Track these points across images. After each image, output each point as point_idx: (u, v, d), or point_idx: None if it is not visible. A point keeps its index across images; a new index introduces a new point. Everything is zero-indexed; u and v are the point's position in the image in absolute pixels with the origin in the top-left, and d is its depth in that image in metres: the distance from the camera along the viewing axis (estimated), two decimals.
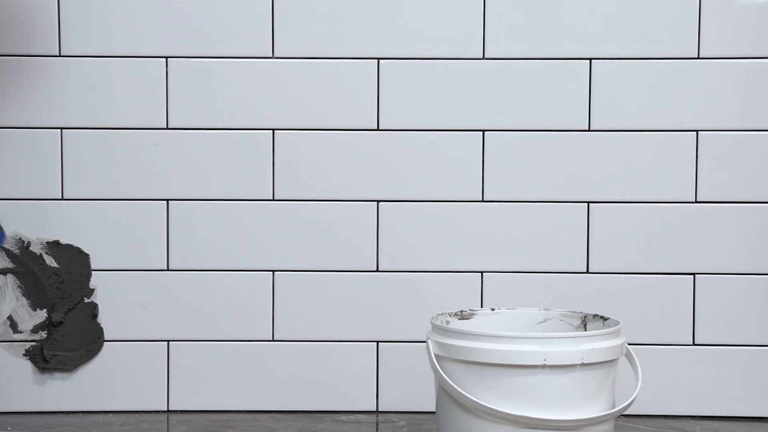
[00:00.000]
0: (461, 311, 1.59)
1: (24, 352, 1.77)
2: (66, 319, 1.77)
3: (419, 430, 1.69)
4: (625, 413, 1.45)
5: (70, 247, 1.76)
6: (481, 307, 1.77)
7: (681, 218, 1.76)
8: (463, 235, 1.77)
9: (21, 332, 1.77)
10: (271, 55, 1.76)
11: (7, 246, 1.72)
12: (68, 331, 1.77)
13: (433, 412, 1.51)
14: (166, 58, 1.76)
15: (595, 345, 1.39)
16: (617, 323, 1.46)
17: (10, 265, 1.76)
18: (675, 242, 1.76)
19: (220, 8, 1.76)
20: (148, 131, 1.77)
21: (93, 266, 1.77)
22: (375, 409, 1.79)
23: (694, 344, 1.77)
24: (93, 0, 1.75)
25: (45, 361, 1.77)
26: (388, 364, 1.78)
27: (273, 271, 1.78)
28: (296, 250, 1.78)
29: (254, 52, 1.76)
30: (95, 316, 1.78)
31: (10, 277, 1.76)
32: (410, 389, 1.77)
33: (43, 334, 1.77)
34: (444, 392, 1.44)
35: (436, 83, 1.76)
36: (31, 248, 1.76)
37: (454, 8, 1.75)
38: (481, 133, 1.77)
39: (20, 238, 1.75)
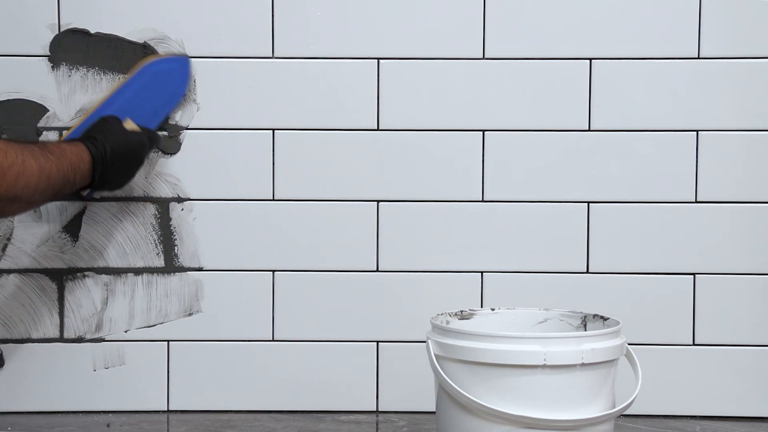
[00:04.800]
0: (461, 311, 1.59)
1: None
2: None
3: (419, 430, 1.69)
4: (625, 413, 1.45)
5: None
6: (481, 307, 1.77)
7: (681, 218, 1.76)
8: (463, 235, 1.77)
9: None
10: (271, 55, 1.76)
11: None
12: None
13: (433, 412, 1.51)
14: None
15: (595, 345, 1.39)
16: (617, 323, 1.46)
17: None
18: (675, 242, 1.76)
19: (220, 8, 1.76)
20: None
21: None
22: (375, 409, 1.79)
23: (694, 344, 1.77)
24: None
25: None
26: (388, 364, 1.78)
27: (273, 271, 1.78)
28: (296, 250, 1.78)
29: (254, 52, 1.76)
30: None
31: None
32: (410, 389, 1.77)
33: None
34: (444, 392, 1.44)
35: (436, 83, 1.76)
36: None
37: (454, 8, 1.75)
38: (481, 133, 1.77)
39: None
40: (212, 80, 1.76)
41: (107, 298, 1.78)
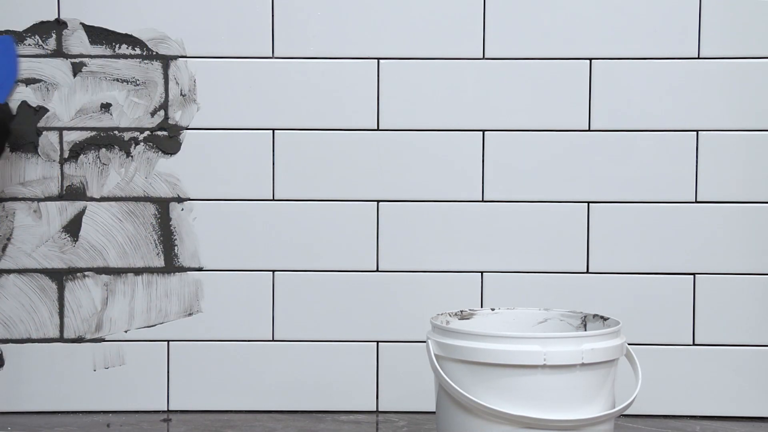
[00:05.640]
0: (461, 311, 1.59)
1: None
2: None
3: (419, 430, 1.69)
4: (625, 413, 1.45)
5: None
6: (481, 307, 1.77)
7: (681, 218, 1.76)
8: (463, 235, 1.77)
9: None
10: (271, 55, 1.77)
11: None
12: None
13: (433, 412, 1.51)
14: (167, 58, 1.76)
15: (595, 345, 1.39)
16: (617, 323, 1.46)
17: None
18: (675, 242, 1.76)
19: (220, 8, 1.76)
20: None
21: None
22: (375, 409, 1.79)
23: (694, 344, 1.77)
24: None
25: None
26: (388, 364, 1.78)
27: (273, 271, 1.78)
28: (296, 250, 1.78)
29: (254, 52, 1.76)
30: None
31: None
32: (410, 389, 1.77)
33: None
34: (444, 392, 1.44)
35: (437, 83, 1.76)
36: None
37: (454, 8, 1.75)
38: (481, 133, 1.77)
39: None
40: (212, 80, 1.76)
41: (107, 298, 1.78)
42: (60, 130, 1.76)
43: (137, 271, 1.78)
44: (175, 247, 1.78)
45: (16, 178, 1.77)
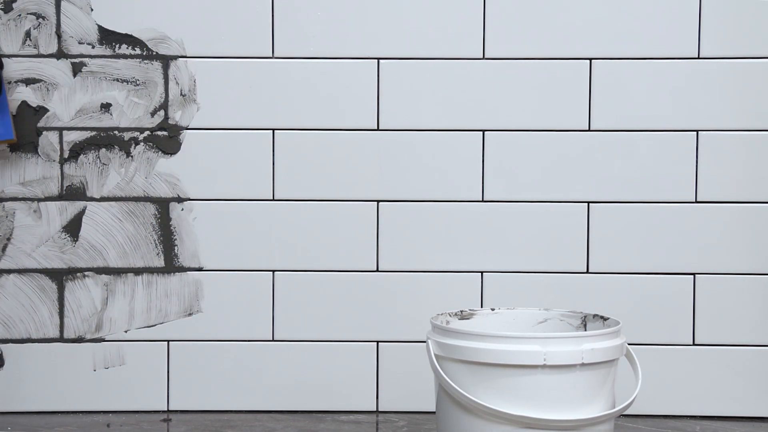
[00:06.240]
0: (461, 311, 1.59)
1: None
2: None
3: (419, 430, 1.69)
4: (625, 413, 1.45)
5: None
6: (481, 307, 1.77)
7: (681, 218, 1.76)
8: (463, 235, 1.77)
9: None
10: (271, 55, 1.77)
11: None
12: None
13: (433, 412, 1.51)
14: (167, 58, 1.76)
15: (595, 345, 1.39)
16: (617, 323, 1.46)
17: None
18: (675, 242, 1.76)
19: (220, 8, 1.76)
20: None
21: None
22: (375, 409, 1.79)
23: (694, 344, 1.77)
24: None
25: None
26: (388, 364, 1.78)
27: (273, 271, 1.78)
28: (296, 250, 1.78)
29: (254, 52, 1.76)
30: None
31: None
32: (410, 389, 1.77)
33: None
34: (444, 392, 1.44)
35: (436, 83, 1.76)
36: None
37: (454, 8, 1.75)
38: (481, 133, 1.77)
39: None
40: (212, 80, 1.76)
41: (107, 298, 1.78)
42: (60, 130, 1.76)
43: (137, 271, 1.78)
44: (175, 247, 1.78)
45: (16, 178, 1.77)
